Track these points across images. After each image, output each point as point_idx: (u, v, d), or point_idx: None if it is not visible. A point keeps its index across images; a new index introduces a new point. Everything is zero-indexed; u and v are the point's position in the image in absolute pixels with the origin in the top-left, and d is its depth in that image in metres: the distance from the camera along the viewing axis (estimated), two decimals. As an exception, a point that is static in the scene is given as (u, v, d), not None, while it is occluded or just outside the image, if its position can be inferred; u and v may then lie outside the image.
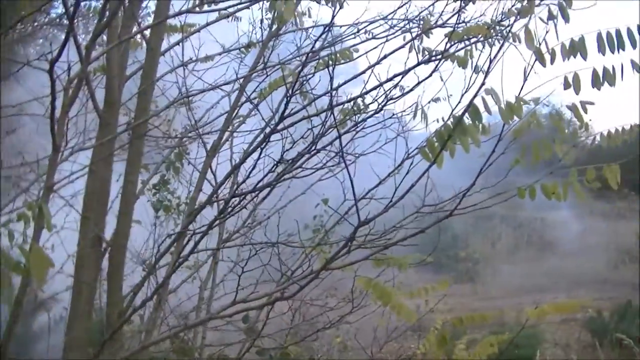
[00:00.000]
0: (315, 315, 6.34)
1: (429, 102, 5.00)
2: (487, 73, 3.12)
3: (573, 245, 29.24)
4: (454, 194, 4.04)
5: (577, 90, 3.17)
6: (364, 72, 4.83)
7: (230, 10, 5.88)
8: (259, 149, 4.13)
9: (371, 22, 5.83)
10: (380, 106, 4.21)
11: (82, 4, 7.01)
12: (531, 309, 5.04)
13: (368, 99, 4.52)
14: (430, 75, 4.04)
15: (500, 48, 3.22)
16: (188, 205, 5.41)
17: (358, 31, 6.11)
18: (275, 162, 3.85)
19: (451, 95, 4.50)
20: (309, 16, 6.44)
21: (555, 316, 18.03)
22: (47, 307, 8.09)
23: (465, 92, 3.82)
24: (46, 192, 3.06)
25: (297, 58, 5.85)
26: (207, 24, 6.11)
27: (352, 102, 4.69)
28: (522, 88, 3.12)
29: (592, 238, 29.56)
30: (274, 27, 5.98)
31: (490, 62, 3.16)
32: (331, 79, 4.06)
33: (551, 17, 3.18)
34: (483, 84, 3.10)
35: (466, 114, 3.16)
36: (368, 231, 3.80)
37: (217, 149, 5.48)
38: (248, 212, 6.05)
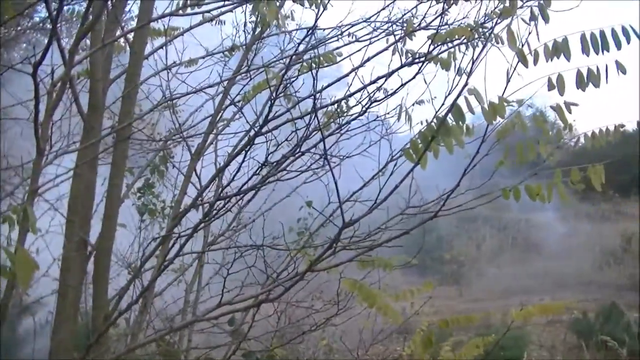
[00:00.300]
0: (301, 318, 6.35)
1: (413, 105, 5.03)
2: (469, 73, 3.14)
3: (558, 247, 29.38)
4: (438, 195, 4.06)
5: (561, 91, 3.18)
6: (347, 74, 4.85)
7: (214, 13, 5.87)
8: (244, 152, 4.14)
9: (354, 25, 5.84)
10: (364, 108, 4.22)
11: (65, 8, 6.99)
12: (517, 311, 5.06)
13: (352, 101, 4.53)
14: (414, 77, 4.05)
15: (482, 49, 3.24)
16: (173, 208, 5.41)
17: (341, 34, 6.12)
18: (260, 165, 3.85)
19: (435, 97, 4.53)
20: (292, 19, 6.45)
21: (540, 318, 18.11)
22: (32, 311, 8.06)
23: (449, 94, 3.84)
24: (31, 195, 3.05)
25: (281, 61, 5.86)
26: (191, 27, 6.12)
27: (336, 105, 4.71)
28: (505, 89, 3.13)
29: (576, 240, 29.73)
30: (258, 30, 5.98)
31: (473, 63, 3.18)
32: (315, 81, 4.07)
33: (533, 17, 3.20)
34: (466, 84, 3.12)
35: (449, 115, 3.18)
36: (353, 233, 3.81)
37: (201, 152, 5.48)
38: (233, 215, 6.04)
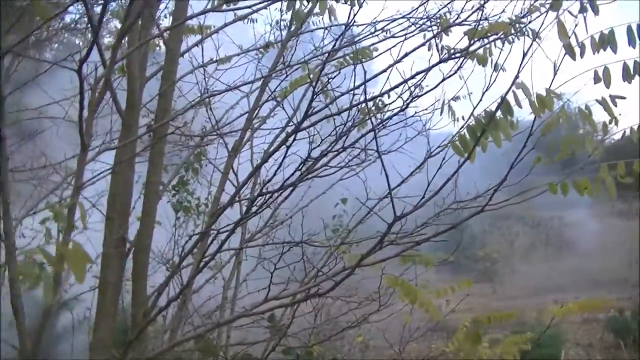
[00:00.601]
0: (339, 315, 6.34)
1: (449, 101, 5.00)
2: (519, 68, 3.10)
3: (591, 245, 29.11)
4: (475, 191, 4.03)
5: (607, 84, 3.15)
6: (385, 70, 4.82)
7: (249, 10, 5.88)
8: (284, 147, 4.13)
9: (392, 21, 5.80)
10: (405, 103, 4.19)
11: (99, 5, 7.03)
12: (556, 308, 5.01)
13: (390, 97, 4.51)
14: (455, 72, 4.03)
15: (532, 42, 3.19)
16: (211, 205, 5.41)
17: (375, 30, 6.09)
18: (302, 160, 3.84)
19: (471, 93, 4.50)
20: (330, 15, 6.43)
21: (576, 316, 17.96)
22: (70, 307, 8.12)
23: (486, 89, 3.82)
24: (75, 191, 3.06)
25: (319, 57, 5.84)
26: (225, 25, 6.11)
27: (374, 100, 4.68)
28: (552, 81, 3.10)
29: (609, 237, 29.43)
30: (293, 26, 5.97)
31: (524, 56, 3.14)
32: (354, 77, 4.06)
33: (582, 9, 3.16)
34: (516, 78, 3.08)
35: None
36: (400, 228, 3.78)
37: (238, 149, 5.48)
38: (270, 211, 6.05)
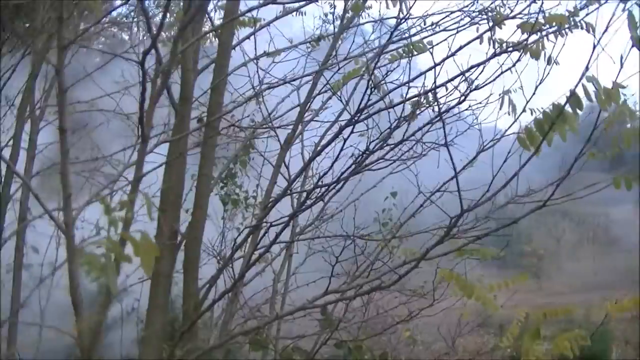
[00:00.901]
0: (390, 308, 6.32)
1: (506, 93, 4.94)
2: (589, 60, 3.05)
3: (637, 241, 28.65)
4: (527, 187, 4.00)
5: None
6: (439, 63, 4.78)
7: (300, 3, 5.88)
8: (336, 140, 4.12)
9: (449, 14, 5.73)
10: (463, 96, 4.16)
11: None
12: (608, 304, 4.93)
13: (447, 89, 4.47)
14: (513, 65, 3.99)
15: (602, 35, 3.13)
16: (263, 198, 5.41)
17: (425, 24, 6.04)
18: (360, 152, 3.82)
19: (522, 87, 4.44)
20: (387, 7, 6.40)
21: (623, 313, 17.65)
22: (119, 298, 8.21)
23: (540, 83, 3.77)
24: (135, 183, 3.08)
25: (373, 50, 5.81)
26: (277, 18, 6.10)
27: (429, 93, 4.65)
28: (618, 74, 3.04)
29: (657, 233, 28.93)
30: (345, 19, 5.95)
31: (593, 48, 3.09)
32: (409, 69, 4.04)
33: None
34: (587, 69, 3.03)
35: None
36: (462, 222, 3.75)
37: (291, 142, 5.48)
38: (319, 205, 6.04)
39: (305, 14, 7.27)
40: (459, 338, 8.81)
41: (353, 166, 3.94)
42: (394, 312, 6.59)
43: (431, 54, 4.49)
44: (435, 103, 4.54)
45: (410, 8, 4.24)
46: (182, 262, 5.09)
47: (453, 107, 4.41)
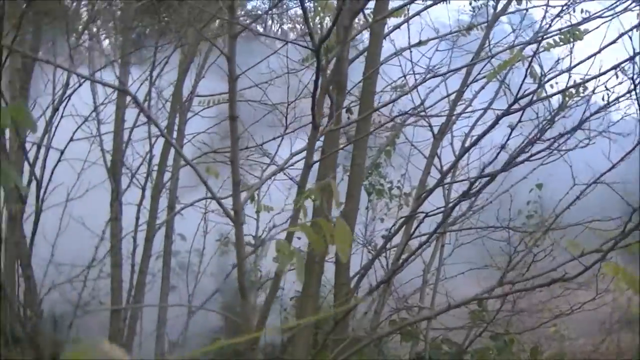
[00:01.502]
0: (545, 301, 6.19)
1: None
2: None
3: None
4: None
5: None
6: (599, 51, 4.62)
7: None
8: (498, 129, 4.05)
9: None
10: (635, 86, 4.00)
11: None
12: None
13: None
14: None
15: None
16: (417, 188, 5.37)
17: (573, 10, 5.85)
18: (530, 141, 3.74)
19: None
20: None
21: None
22: (263, 286, 8.33)
23: None
24: (306, 170, 3.12)
25: (537, 38, 5.68)
26: (426, 7, 6.03)
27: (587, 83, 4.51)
28: None
29: None
30: (499, 7, 5.82)
31: None
32: (571, 58, 3.92)
33: None
34: None
35: None
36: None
37: (445, 132, 5.42)
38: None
39: (449, 2, 7.18)
40: (600, 336, 8.56)
41: (518, 155, 3.86)
42: (545, 306, 6.45)
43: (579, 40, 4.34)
44: (579, 94, 4.41)
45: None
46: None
47: (621, 95, 4.26)
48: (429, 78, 4.39)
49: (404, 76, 5.65)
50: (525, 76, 4.29)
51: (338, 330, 4.87)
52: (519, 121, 3.83)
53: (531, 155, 3.88)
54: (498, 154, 3.93)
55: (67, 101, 6.10)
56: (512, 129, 3.78)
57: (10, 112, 1.64)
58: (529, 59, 4.37)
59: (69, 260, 7.49)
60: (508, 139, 3.82)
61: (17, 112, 1.63)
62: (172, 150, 6.35)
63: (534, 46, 4.67)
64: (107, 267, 6.57)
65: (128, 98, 6.09)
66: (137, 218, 6.43)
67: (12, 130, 5.84)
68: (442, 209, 4.61)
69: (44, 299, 6.70)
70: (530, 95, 4.22)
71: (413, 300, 6.34)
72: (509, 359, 5.43)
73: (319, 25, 6.15)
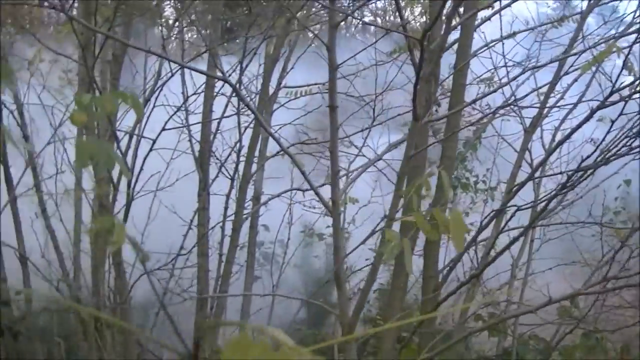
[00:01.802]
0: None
1: None
2: None
3: None
4: None
5: None
6: None
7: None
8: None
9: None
10: None
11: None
12: None
13: None
14: None
15: None
16: (508, 181, 5.33)
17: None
18: (630, 136, 3.66)
19: None
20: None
21: None
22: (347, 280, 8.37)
23: None
24: (406, 162, 3.12)
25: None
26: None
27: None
28: None
29: None
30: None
31: None
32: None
33: None
34: None
35: None
36: None
37: (536, 125, 5.35)
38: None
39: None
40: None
41: (620, 149, 3.78)
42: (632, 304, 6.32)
43: None
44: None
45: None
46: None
47: None
48: (527, 70, 4.33)
49: (495, 69, 5.60)
50: (623, 68, 4.19)
51: (425, 324, 4.87)
52: (621, 113, 3.75)
53: (631, 149, 3.80)
54: (597, 147, 3.85)
55: (160, 91, 6.18)
56: (613, 122, 3.70)
57: (119, 97, 1.69)
58: (624, 50, 4.27)
59: (157, 248, 7.64)
60: (608, 132, 3.75)
61: (125, 97, 1.68)
62: (259, 141, 6.41)
63: (628, 38, 4.57)
64: (193, 257, 6.66)
65: (216, 89, 6.18)
66: (226, 208, 6.50)
67: (105, 119, 5.95)
68: (532, 203, 4.56)
69: (134, 285, 6.84)
70: (631, 87, 4.14)
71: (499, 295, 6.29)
72: (601, 359, 5.34)
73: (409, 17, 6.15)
